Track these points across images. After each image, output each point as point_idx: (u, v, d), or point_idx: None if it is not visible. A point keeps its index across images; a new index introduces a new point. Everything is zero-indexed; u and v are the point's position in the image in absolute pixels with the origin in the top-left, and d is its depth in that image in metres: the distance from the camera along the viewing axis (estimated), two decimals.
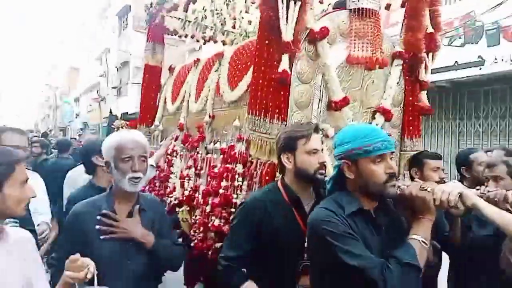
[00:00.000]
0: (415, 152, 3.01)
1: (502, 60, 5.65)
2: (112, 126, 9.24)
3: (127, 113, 13.08)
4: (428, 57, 3.07)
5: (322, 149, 2.07)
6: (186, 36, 4.74)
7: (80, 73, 27.34)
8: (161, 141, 4.22)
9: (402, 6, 3.19)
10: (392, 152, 1.70)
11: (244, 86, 2.89)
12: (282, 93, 2.44)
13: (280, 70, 2.34)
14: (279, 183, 2.12)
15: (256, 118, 2.47)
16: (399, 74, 2.96)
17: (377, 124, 2.81)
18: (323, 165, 2.02)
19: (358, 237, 1.51)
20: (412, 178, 2.85)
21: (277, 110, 2.43)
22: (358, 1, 2.69)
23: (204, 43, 5.08)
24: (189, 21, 4.68)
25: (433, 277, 2.99)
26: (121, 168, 1.89)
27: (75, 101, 27.71)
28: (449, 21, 6.33)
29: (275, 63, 2.41)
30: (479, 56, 6.20)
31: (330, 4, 3.63)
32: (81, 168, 3.55)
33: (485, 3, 6.03)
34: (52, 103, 34.36)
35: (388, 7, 3.37)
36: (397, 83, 2.96)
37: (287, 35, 2.35)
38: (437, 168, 2.79)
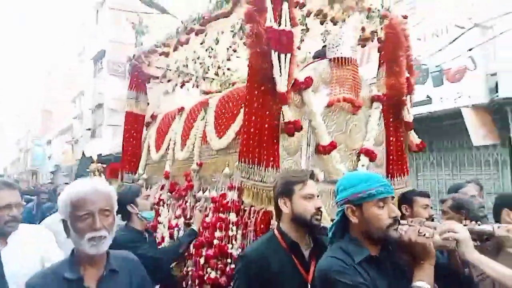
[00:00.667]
0: (404, 190, 3.11)
1: (447, 99, 6.38)
2: (87, 170, 8.98)
3: (101, 154, 12.89)
4: (407, 99, 3.26)
5: (318, 195, 2.12)
6: (168, 81, 4.81)
7: (53, 115, 27.06)
8: (146, 189, 4.16)
9: (379, 51, 3.41)
10: (393, 197, 1.77)
11: (232, 134, 2.95)
12: (275, 141, 2.51)
13: (287, 120, 2.43)
14: (275, 231, 2.12)
15: (249, 166, 2.50)
16: (378, 115, 3.11)
17: (362, 165, 2.92)
18: (319, 211, 2.05)
19: (370, 286, 1.53)
20: (402, 215, 2.92)
21: (271, 158, 2.47)
22: (337, 50, 2.87)
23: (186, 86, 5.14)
24: (170, 70, 4.78)
25: None
26: (79, 228, 1.53)
27: (47, 143, 27.15)
28: None
29: (267, 112, 2.49)
30: (427, 96, 6.82)
31: (309, 52, 3.82)
32: (56, 218, 3.39)
33: (429, 49, 6.70)
34: (23, 146, 33.39)
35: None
36: (378, 124, 3.11)
37: (281, 86, 2.45)
38: (426, 205, 2.86)
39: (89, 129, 18.13)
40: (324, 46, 3.04)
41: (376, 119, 3.09)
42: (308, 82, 2.62)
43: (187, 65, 4.59)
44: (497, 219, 2.35)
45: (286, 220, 2.05)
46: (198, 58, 4.35)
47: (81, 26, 19.75)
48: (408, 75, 3.24)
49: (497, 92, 5.74)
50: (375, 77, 3.42)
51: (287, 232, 2.05)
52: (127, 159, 4.45)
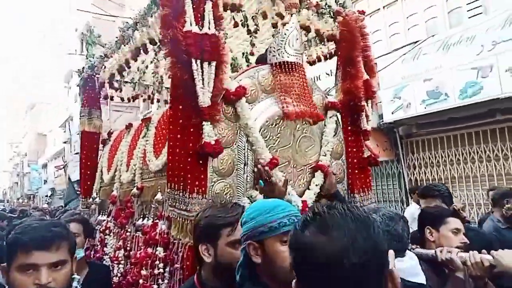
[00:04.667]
0: (369, 206, 2.74)
1: None
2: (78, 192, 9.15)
3: None
4: (367, 105, 2.91)
5: None
6: (122, 99, 4.50)
7: (48, 139, 27.94)
8: (98, 215, 3.82)
9: (335, 55, 3.08)
10: None
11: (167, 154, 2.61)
12: (201, 162, 2.16)
13: (204, 141, 2.08)
14: (195, 279, 1.74)
15: (176, 193, 2.16)
16: (335, 125, 2.76)
17: (317, 184, 2.56)
18: None
19: None
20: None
21: (196, 182, 2.13)
22: (279, 55, 2.52)
23: (152, 102, 4.84)
24: (126, 82, 4.48)
25: None
26: None
27: (43, 167, 27.75)
28: None
29: (192, 130, 2.15)
30: None
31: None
32: None
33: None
34: (19, 171, 34.21)
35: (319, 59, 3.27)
36: (334, 135, 2.75)
37: (204, 100, 2.11)
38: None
39: (77, 153, 18.57)
40: (266, 50, 2.70)
41: (331, 129, 2.73)
42: (240, 92, 2.28)
43: (140, 77, 4.28)
44: (422, 237, 2.12)
45: (208, 268, 1.64)
46: (146, 67, 4.05)
47: (68, 54, 20.14)
48: (367, 77, 2.89)
49: (382, 118, 7.00)
50: None
51: (207, 283, 1.66)
52: (83, 182, 4.13)
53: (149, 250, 2.32)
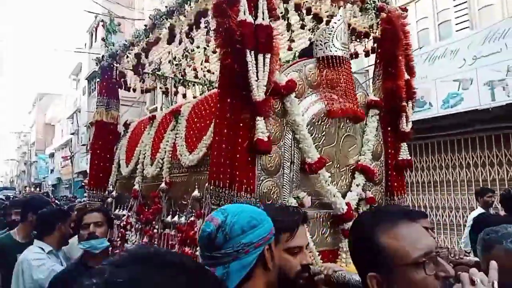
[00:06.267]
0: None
1: None
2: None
3: None
4: (407, 105, 2.82)
5: (308, 245, 1.63)
6: (134, 90, 4.37)
7: (55, 130, 28.51)
8: (115, 209, 3.68)
9: (370, 54, 2.99)
10: None
11: (203, 149, 2.49)
12: (250, 159, 2.04)
13: (257, 137, 1.96)
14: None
15: (220, 190, 2.04)
16: (376, 125, 2.66)
17: (357, 185, 2.47)
18: (306, 267, 1.54)
19: None
20: None
21: (245, 180, 2.01)
22: (326, 48, 2.41)
23: (166, 95, 4.71)
24: (146, 73, 4.34)
25: None
26: None
27: (50, 157, 28.17)
28: None
29: (241, 125, 2.03)
30: None
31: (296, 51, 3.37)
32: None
33: None
34: (27, 159, 34.70)
35: (356, 55, 3.15)
36: (375, 135, 2.66)
37: (259, 93, 1.99)
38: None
39: (84, 145, 18.98)
40: (311, 43, 2.59)
41: (373, 128, 2.63)
42: (291, 86, 2.17)
43: (158, 68, 4.15)
44: None
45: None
46: (174, 59, 3.91)
47: (77, 48, 20.54)
48: (408, 77, 2.80)
49: None
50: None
51: None
52: (93, 174, 3.98)
53: (187, 249, 2.21)
